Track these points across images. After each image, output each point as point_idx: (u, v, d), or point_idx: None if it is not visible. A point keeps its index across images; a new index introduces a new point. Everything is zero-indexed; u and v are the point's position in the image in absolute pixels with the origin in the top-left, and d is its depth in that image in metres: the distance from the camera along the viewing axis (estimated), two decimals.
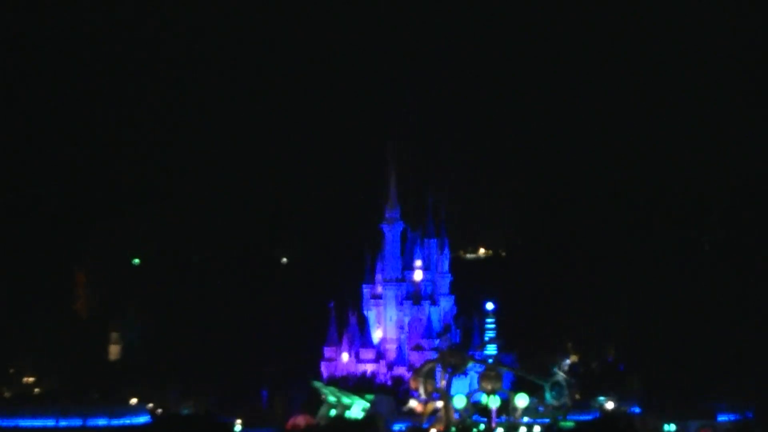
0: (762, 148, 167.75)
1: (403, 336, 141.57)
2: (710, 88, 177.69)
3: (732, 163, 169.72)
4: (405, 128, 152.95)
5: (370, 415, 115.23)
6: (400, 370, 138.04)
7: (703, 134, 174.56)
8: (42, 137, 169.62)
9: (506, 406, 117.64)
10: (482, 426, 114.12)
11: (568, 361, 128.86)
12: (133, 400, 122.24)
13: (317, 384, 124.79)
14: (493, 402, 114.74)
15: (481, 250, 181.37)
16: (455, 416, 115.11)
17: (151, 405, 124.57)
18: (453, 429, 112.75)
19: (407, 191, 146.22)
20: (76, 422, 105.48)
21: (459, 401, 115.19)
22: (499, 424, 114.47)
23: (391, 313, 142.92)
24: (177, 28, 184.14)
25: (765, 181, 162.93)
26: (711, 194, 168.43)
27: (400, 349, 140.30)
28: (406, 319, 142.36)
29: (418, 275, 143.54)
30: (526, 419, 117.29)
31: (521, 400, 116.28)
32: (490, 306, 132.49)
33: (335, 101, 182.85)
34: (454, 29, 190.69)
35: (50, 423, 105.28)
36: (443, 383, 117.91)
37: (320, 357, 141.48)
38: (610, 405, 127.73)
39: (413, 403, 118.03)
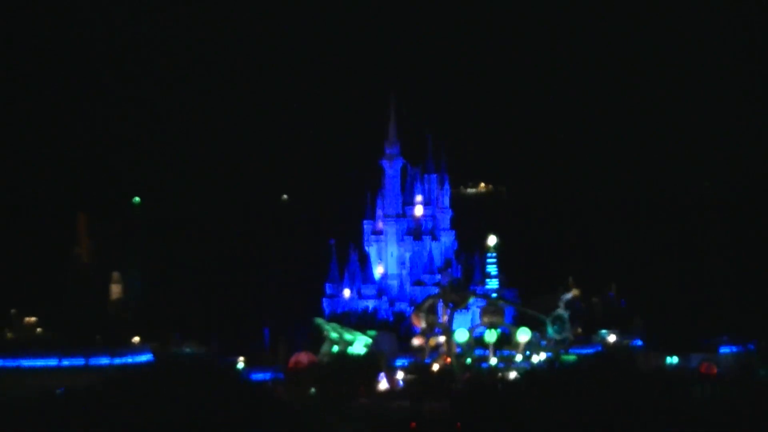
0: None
1: (404, 271, 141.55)
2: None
3: None
4: (405, 65, 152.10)
5: (372, 351, 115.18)
6: (402, 306, 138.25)
7: None
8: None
9: (509, 341, 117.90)
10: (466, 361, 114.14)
11: (569, 296, 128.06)
12: (135, 339, 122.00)
13: (319, 321, 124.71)
14: (490, 336, 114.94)
15: (482, 185, 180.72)
16: (457, 351, 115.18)
17: (153, 345, 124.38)
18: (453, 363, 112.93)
19: (407, 127, 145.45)
20: (79, 362, 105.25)
21: (461, 335, 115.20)
22: (501, 358, 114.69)
23: (392, 248, 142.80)
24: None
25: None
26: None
27: (401, 284, 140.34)
28: (407, 255, 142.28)
29: (418, 211, 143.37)
30: (528, 353, 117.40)
31: (523, 335, 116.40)
32: (491, 241, 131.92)
33: (337, 39, 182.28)
34: None
35: (53, 363, 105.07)
36: (445, 318, 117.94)
37: (322, 294, 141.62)
38: (612, 338, 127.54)
39: (417, 341, 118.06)
